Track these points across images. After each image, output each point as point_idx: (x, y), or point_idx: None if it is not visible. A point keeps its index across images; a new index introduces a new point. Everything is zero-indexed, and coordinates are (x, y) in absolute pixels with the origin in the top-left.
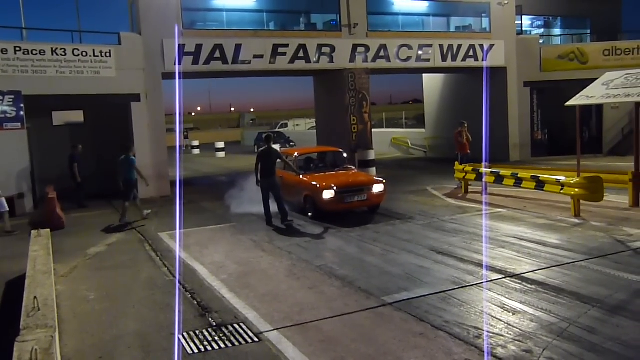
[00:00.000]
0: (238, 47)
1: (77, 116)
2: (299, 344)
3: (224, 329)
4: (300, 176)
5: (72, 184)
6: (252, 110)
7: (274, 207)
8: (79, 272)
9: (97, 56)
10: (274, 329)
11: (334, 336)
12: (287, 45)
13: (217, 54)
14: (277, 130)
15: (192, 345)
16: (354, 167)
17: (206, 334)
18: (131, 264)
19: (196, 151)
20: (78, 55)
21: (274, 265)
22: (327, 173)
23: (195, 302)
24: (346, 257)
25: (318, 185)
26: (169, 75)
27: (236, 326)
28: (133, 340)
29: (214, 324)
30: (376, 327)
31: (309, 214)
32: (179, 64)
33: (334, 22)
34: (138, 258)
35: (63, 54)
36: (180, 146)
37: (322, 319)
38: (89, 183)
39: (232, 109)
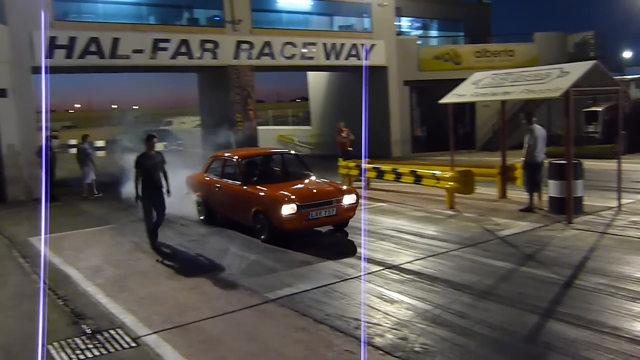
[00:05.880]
0: (116, 41)
1: None
2: (179, 346)
3: (98, 336)
4: (245, 187)
5: None
6: (135, 107)
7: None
8: None
9: None
10: (153, 333)
11: (216, 336)
12: (168, 40)
13: (93, 48)
14: (163, 128)
15: (62, 355)
16: (311, 173)
17: (79, 342)
18: None
19: (73, 150)
20: None
21: (154, 267)
22: (281, 182)
23: (68, 309)
24: (230, 255)
25: (273, 198)
26: (40, 70)
27: (112, 332)
28: None
29: (88, 331)
30: (258, 324)
31: (262, 237)
32: (49, 57)
33: (218, 18)
34: (4, 265)
35: None
36: (47, 146)
37: (204, 319)
38: None
39: (114, 106)
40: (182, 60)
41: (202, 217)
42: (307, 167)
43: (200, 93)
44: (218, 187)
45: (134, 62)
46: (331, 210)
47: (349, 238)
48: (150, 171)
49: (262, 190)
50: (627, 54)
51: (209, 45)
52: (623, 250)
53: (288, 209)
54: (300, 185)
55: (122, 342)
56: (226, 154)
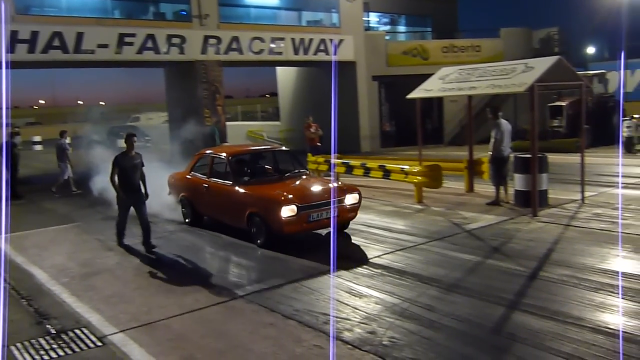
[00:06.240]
0: (80, 36)
1: None
2: (146, 344)
3: (63, 336)
4: (237, 187)
5: None
6: (102, 103)
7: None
8: None
9: None
10: (119, 331)
11: (184, 333)
12: (134, 35)
13: (57, 42)
14: (130, 124)
15: (26, 356)
16: (307, 171)
17: (43, 342)
18: None
19: (38, 147)
20: None
21: (121, 264)
22: (277, 181)
23: (32, 309)
24: (199, 252)
25: (271, 199)
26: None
27: (77, 331)
28: None
29: (53, 331)
30: (227, 321)
31: (258, 241)
32: (10, 52)
33: (184, 13)
34: None
35: None
36: (7, 142)
37: (171, 316)
38: None
39: (80, 102)
40: (149, 55)
41: (187, 220)
42: (302, 164)
43: (167, 88)
44: (206, 187)
45: (99, 57)
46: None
47: (317, 232)
48: (129, 172)
49: (257, 191)
50: (591, 50)
51: (175, 40)
52: (586, 242)
53: (288, 211)
54: (298, 185)
55: (87, 341)
56: (214, 152)
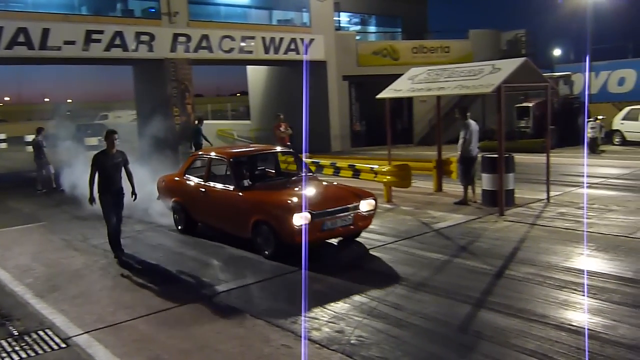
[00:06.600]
0: (46, 32)
1: None
2: (112, 345)
3: (26, 337)
4: (241, 192)
5: None
6: (69, 100)
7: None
8: None
9: None
10: (84, 332)
11: (150, 334)
12: (102, 32)
13: (22, 39)
14: (98, 122)
15: None
16: (315, 174)
17: (5, 344)
18: None
19: (3, 145)
20: None
21: (87, 265)
22: (285, 186)
23: None
24: (168, 252)
25: (281, 206)
26: None
27: (41, 333)
28: None
29: (15, 332)
30: (194, 321)
31: (265, 252)
32: None
33: (154, 10)
34: None
35: None
36: None
37: (138, 317)
38: None
39: (46, 99)
40: (117, 53)
41: (179, 227)
42: (307, 167)
43: (136, 86)
44: (202, 191)
45: (66, 53)
46: (347, 218)
47: None
48: (111, 172)
49: (264, 197)
50: (557, 52)
51: (144, 38)
52: (551, 241)
53: (300, 219)
54: (308, 189)
55: (51, 343)
56: (212, 153)
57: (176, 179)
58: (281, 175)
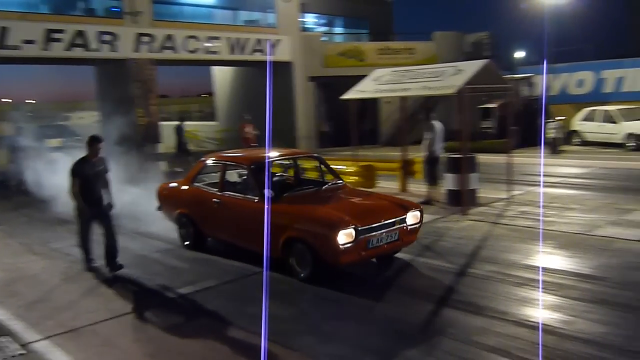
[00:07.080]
0: (4, 31)
1: None
2: (72, 351)
3: None
4: (269, 205)
5: None
6: (32, 101)
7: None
8: None
9: None
10: (44, 338)
11: (111, 338)
12: (62, 31)
13: None
14: (60, 123)
15: None
16: (344, 182)
17: None
18: None
19: None
20: None
21: (47, 269)
22: (320, 197)
23: None
24: (131, 255)
25: (324, 220)
26: None
27: None
28: None
29: None
30: (157, 324)
31: (301, 274)
32: None
33: (116, 9)
34: None
35: None
36: None
37: (99, 321)
38: None
39: (5, 100)
40: (78, 52)
41: (186, 243)
42: (335, 174)
43: (98, 87)
44: (217, 202)
45: (25, 53)
46: (394, 234)
47: None
48: (92, 180)
49: (299, 210)
50: (519, 54)
51: (107, 37)
52: (512, 239)
53: (345, 236)
54: (347, 201)
55: (8, 350)
56: (228, 157)
57: (183, 187)
58: (309, 183)
